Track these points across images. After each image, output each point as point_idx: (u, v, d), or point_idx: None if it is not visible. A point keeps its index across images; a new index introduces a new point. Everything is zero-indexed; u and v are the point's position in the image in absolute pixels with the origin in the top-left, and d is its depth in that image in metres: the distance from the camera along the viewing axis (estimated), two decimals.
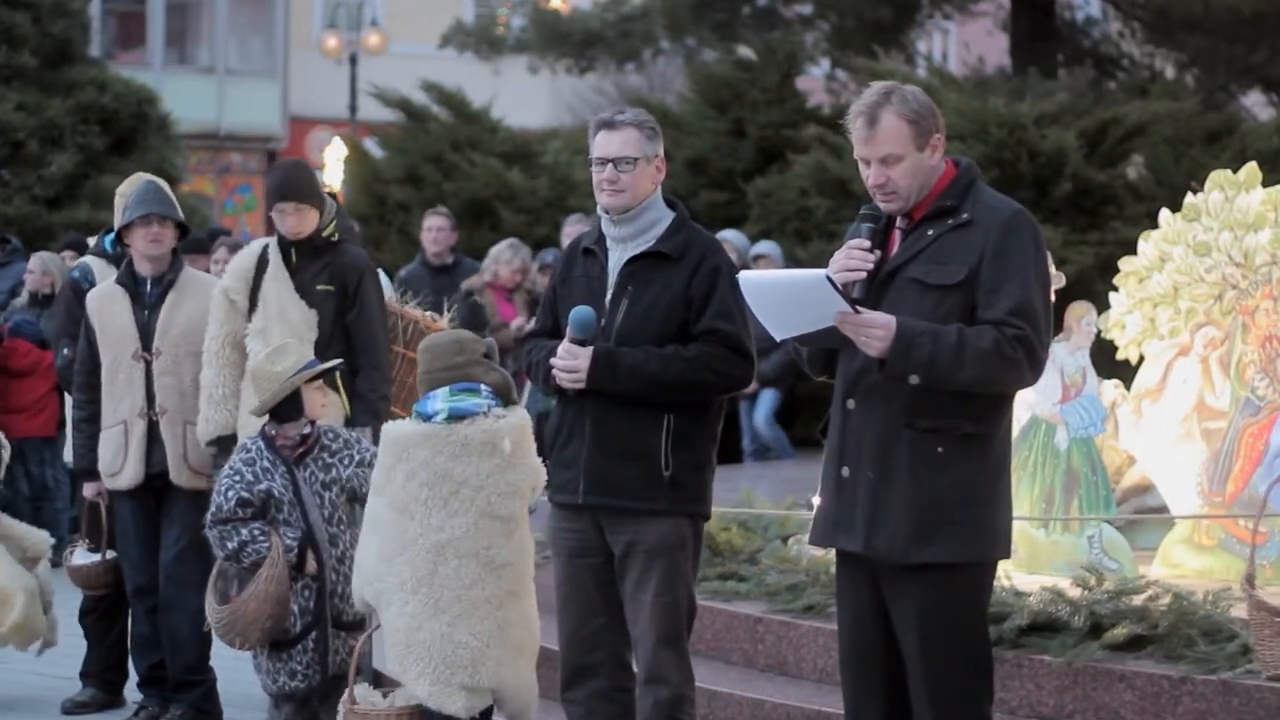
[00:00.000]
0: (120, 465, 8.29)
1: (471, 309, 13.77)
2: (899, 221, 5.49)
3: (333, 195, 8.45)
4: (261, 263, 8.14)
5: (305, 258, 8.12)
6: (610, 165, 6.26)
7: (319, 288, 8.06)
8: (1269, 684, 6.51)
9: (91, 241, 9.75)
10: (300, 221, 8.07)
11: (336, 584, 7.02)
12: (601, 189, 6.29)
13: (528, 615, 6.48)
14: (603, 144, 6.28)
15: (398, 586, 6.34)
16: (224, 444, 7.98)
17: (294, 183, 8.13)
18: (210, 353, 8.11)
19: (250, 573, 7.00)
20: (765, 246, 15.19)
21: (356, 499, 7.06)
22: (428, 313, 8.92)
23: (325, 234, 8.15)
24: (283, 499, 7.05)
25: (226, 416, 8.03)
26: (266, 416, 7.17)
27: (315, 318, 8.02)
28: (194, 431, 8.21)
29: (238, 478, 7.05)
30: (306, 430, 7.14)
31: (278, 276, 8.09)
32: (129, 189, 8.57)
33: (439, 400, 6.36)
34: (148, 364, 8.25)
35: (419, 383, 6.50)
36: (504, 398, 6.46)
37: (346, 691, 6.56)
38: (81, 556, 8.64)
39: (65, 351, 9.00)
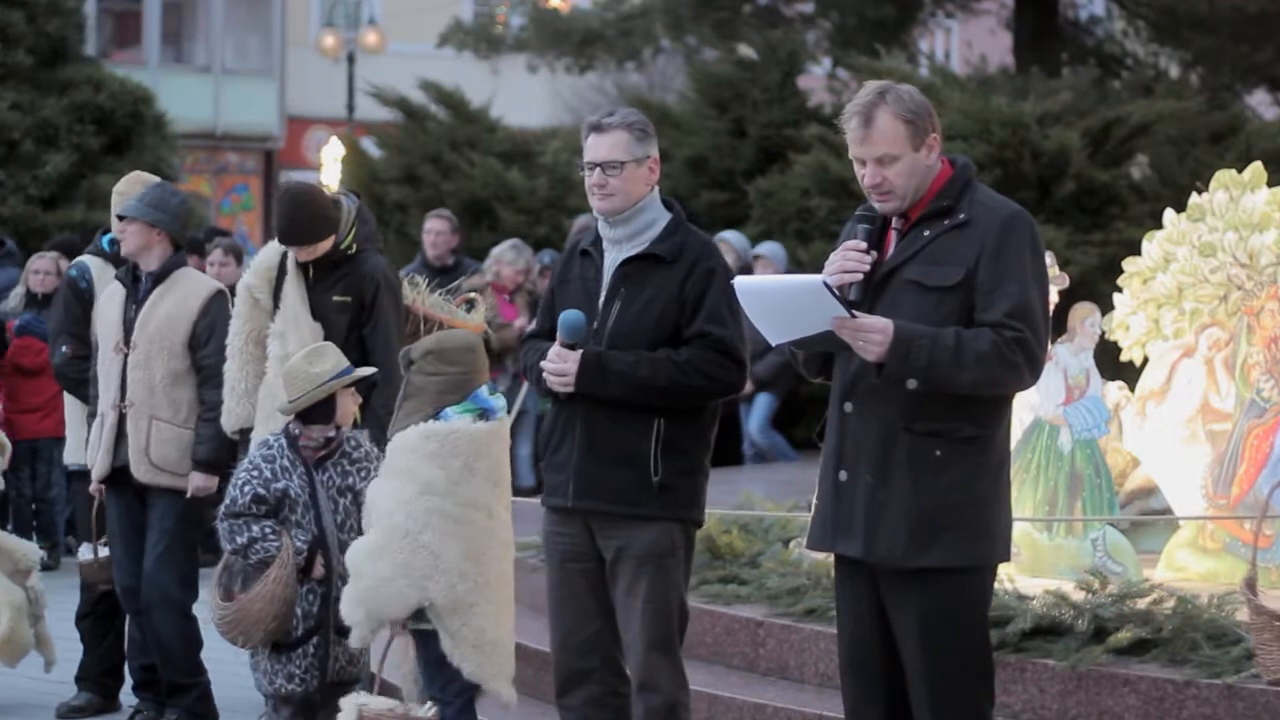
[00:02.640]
0: (96, 456, 8.33)
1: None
2: (895, 222, 5.47)
3: (354, 194, 8.30)
4: (284, 263, 8.09)
5: (322, 270, 8.04)
6: (598, 170, 6.24)
7: (335, 299, 7.99)
8: (1274, 688, 6.48)
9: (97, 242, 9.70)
10: (311, 253, 8.01)
11: (343, 591, 6.94)
12: (593, 193, 6.28)
13: None
14: (591, 148, 6.27)
15: (482, 586, 6.35)
16: (245, 435, 8.03)
17: (291, 229, 7.96)
18: (234, 348, 8.10)
19: (256, 570, 6.97)
20: (765, 248, 15.11)
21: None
22: (458, 308, 8.74)
23: (343, 246, 8.05)
24: (298, 500, 7.02)
25: (249, 409, 8.03)
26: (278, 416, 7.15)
27: (321, 332, 7.94)
28: (159, 427, 8.21)
29: (255, 473, 7.02)
30: (331, 434, 7.10)
31: (295, 284, 8.03)
32: (125, 187, 8.60)
33: (485, 398, 6.42)
34: (125, 357, 8.26)
35: (461, 380, 6.46)
36: None
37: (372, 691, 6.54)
38: (87, 552, 8.65)
39: (64, 349, 9.00)
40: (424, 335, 8.25)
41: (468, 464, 6.34)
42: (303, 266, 8.03)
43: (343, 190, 8.36)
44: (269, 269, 8.10)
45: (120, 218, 8.37)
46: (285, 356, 7.82)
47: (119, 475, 8.29)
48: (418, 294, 8.34)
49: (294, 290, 8.01)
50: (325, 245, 7.99)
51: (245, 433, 8.03)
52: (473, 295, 8.74)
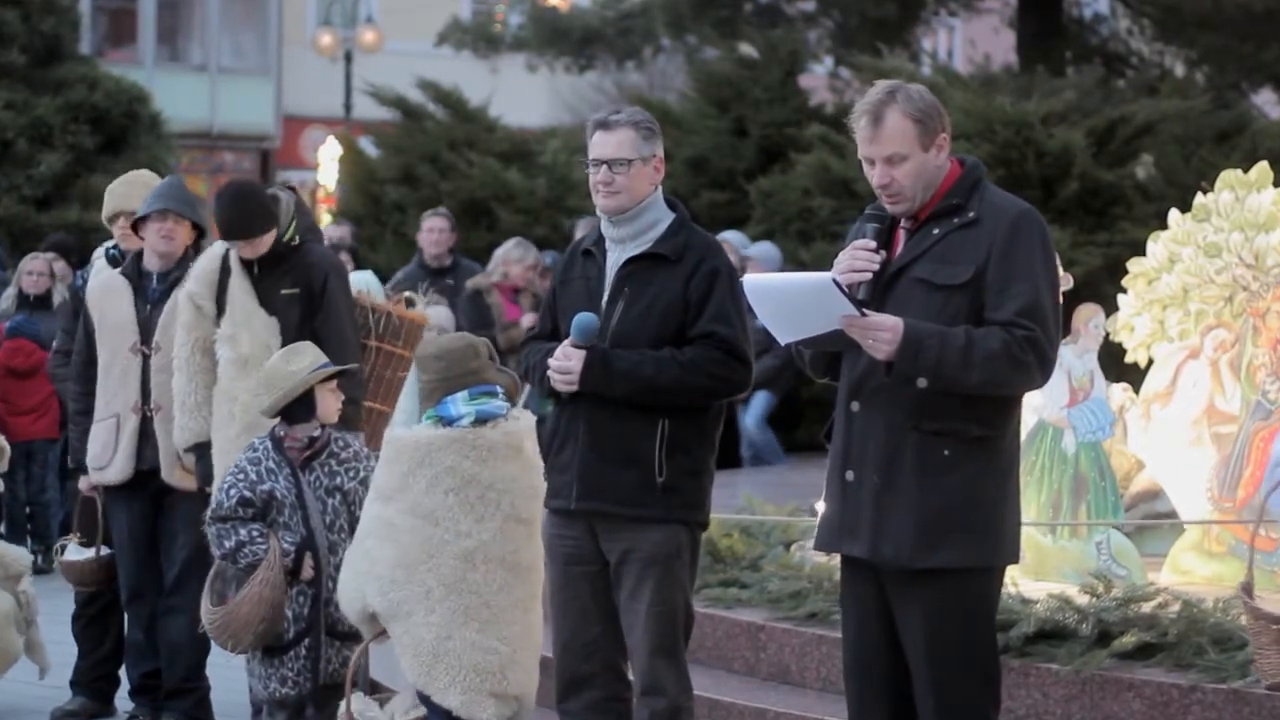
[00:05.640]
0: (109, 459, 8.21)
1: (478, 308, 13.69)
2: (903, 221, 5.45)
3: (291, 189, 8.22)
4: (225, 266, 7.97)
5: (267, 265, 7.96)
6: (605, 167, 6.22)
7: (283, 292, 7.89)
8: (1278, 693, 6.42)
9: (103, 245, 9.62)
10: (255, 249, 7.91)
11: (333, 592, 6.90)
12: (597, 190, 6.25)
13: (541, 618, 6.45)
14: (598, 145, 6.24)
15: (422, 596, 6.24)
16: (201, 450, 7.88)
17: (235, 224, 7.87)
18: (180, 359, 7.96)
19: (246, 574, 6.94)
20: (756, 249, 15.01)
21: (352, 515, 6.95)
22: (404, 296, 8.67)
23: (285, 239, 7.97)
24: (285, 501, 6.99)
25: (201, 423, 7.89)
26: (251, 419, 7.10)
27: (277, 325, 7.85)
28: None
29: (241, 476, 6.99)
30: (316, 434, 7.06)
31: (240, 282, 7.93)
32: (125, 188, 8.55)
33: (460, 404, 6.29)
34: (145, 359, 8.16)
35: (431, 387, 6.37)
36: (512, 399, 6.44)
37: (344, 704, 6.44)
38: (74, 552, 8.54)
39: (55, 344, 8.94)
40: (371, 326, 8.22)
41: (410, 470, 6.26)
42: (247, 264, 7.93)
43: (279, 186, 8.26)
44: (211, 273, 7.96)
45: (165, 213, 8.18)
46: (237, 359, 7.73)
47: (136, 479, 8.18)
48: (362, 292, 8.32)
49: (240, 288, 7.89)
50: (268, 239, 7.90)
51: (200, 448, 7.88)
52: (408, 294, 8.67)
